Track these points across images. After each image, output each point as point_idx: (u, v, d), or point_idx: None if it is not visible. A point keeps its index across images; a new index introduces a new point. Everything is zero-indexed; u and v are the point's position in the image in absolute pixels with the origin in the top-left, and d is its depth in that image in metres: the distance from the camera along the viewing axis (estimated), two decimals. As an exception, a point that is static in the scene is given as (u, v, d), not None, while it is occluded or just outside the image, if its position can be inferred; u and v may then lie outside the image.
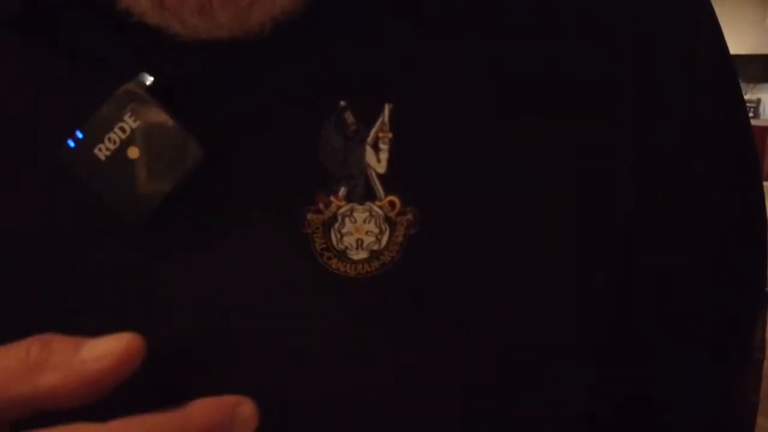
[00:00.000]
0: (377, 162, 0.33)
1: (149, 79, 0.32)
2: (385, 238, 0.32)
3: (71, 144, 0.32)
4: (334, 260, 0.32)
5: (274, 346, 0.32)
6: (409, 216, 0.32)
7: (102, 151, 0.32)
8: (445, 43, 0.33)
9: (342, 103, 0.32)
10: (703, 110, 0.37)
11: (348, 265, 0.32)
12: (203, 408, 0.27)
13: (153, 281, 0.33)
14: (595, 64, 0.34)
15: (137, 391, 0.32)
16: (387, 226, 0.32)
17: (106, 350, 0.27)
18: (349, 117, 0.33)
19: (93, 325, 0.33)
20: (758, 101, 8.85)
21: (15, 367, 0.26)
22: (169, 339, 0.32)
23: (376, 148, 0.33)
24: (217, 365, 0.32)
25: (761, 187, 0.40)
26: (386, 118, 0.32)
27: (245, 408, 0.27)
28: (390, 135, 0.32)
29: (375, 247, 0.32)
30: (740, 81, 0.42)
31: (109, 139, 0.32)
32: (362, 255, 0.32)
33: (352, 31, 0.33)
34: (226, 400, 0.27)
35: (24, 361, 0.26)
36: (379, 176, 0.32)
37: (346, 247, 0.32)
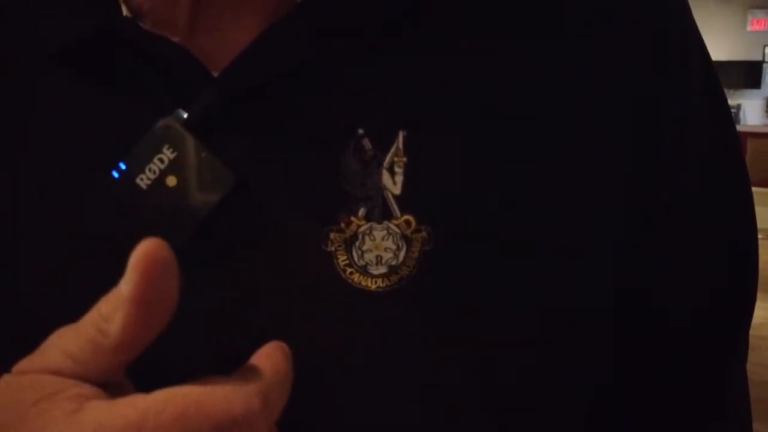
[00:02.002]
0: (393, 184, 0.36)
1: (184, 115, 0.35)
2: (402, 254, 0.35)
3: (115, 174, 0.35)
4: (356, 275, 0.35)
5: (302, 354, 0.35)
6: (424, 233, 0.35)
7: (143, 181, 0.35)
8: (455, 70, 0.36)
9: (360, 131, 0.36)
10: (693, 127, 0.39)
11: (369, 280, 0.35)
12: (265, 361, 0.31)
13: (189, 299, 0.35)
14: (597, 88, 0.37)
15: None
16: (404, 243, 0.35)
17: (132, 264, 0.27)
18: (366, 144, 0.36)
19: None
20: (739, 107, 8.93)
21: (90, 341, 0.29)
22: (203, 350, 0.35)
23: (392, 172, 0.36)
24: None
25: (750, 193, 0.42)
26: (400, 144, 0.36)
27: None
28: (404, 159, 0.36)
29: (393, 263, 0.35)
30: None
31: (150, 169, 0.35)
32: (381, 270, 0.35)
33: (370, 62, 0.36)
34: (274, 351, 0.32)
35: (92, 330, 0.29)
36: (395, 197, 0.36)
37: (367, 263, 0.35)
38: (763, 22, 8.60)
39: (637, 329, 0.40)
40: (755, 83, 8.70)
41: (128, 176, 0.35)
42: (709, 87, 0.41)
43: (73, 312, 0.36)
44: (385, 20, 0.36)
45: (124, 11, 0.37)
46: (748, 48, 8.62)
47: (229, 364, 0.35)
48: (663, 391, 0.42)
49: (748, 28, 8.63)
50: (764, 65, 8.70)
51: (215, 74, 0.36)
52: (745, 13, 8.55)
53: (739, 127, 8.18)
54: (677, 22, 0.40)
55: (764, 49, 8.66)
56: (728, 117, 0.42)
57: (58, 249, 0.37)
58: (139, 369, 0.35)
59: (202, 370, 0.35)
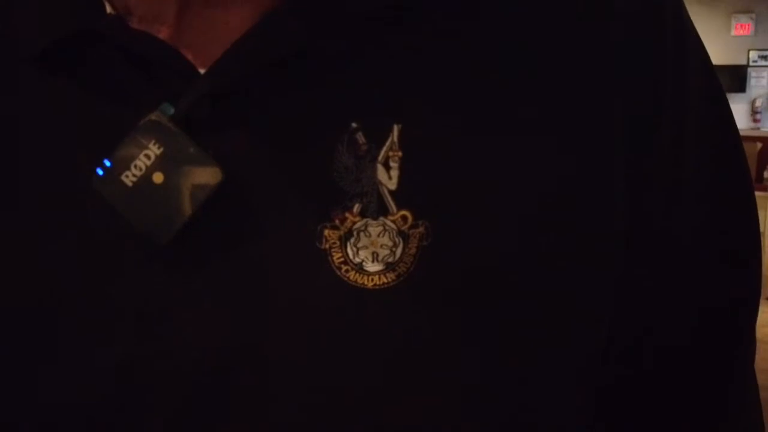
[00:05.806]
0: (388, 179, 0.35)
1: (171, 109, 0.34)
2: (399, 251, 0.34)
3: (100, 172, 0.34)
4: (352, 272, 0.34)
5: (297, 356, 0.34)
6: (421, 229, 0.34)
7: (129, 178, 0.34)
8: (450, 63, 0.35)
9: (353, 124, 0.34)
10: (690, 124, 0.39)
11: (365, 277, 0.34)
12: None
13: (176, 300, 0.34)
14: (593, 84, 0.36)
15: (157, 404, 0.34)
16: (400, 239, 0.34)
17: None
18: (360, 138, 0.35)
19: (122, 342, 0.34)
20: (725, 111, 8.96)
21: None
22: (192, 355, 0.34)
23: (387, 166, 0.35)
24: (241, 379, 0.34)
25: (753, 193, 0.41)
26: (395, 138, 0.34)
27: None
28: (399, 153, 0.34)
29: (390, 260, 0.34)
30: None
31: (135, 166, 0.34)
32: (378, 267, 0.34)
33: (361, 55, 0.35)
34: None
35: None
36: (391, 192, 0.34)
37: (363, 260, 0.34)
38: (747, 26, 8.65)
39: (641, 326, 0.39)
40: (740, 87, 8.74)
41: (113, 173, 0.34)
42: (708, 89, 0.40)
43: (59, 311, 0.35)
44: (376, 11, 0.35)
45: (108, 9, 0.36)
46: (732, 52, 8.66)
47: (216, 371, 0.34)
48: (664, 391, 0.41)
49: (732, 33, 8.68)
50: (749, 69, 8.75)
51: (202, 71, 0.35)
52: (729, 17, 8.60)
53: (724, 131, 8.19)
54: (674, 15, 0.39)
55: (749, 53, 8.71)
56: (730, 122, 0.41)
57: (43, 247, 0.35)
58: (126, 362, 0.34)
59: (185, 378, 0.34)
